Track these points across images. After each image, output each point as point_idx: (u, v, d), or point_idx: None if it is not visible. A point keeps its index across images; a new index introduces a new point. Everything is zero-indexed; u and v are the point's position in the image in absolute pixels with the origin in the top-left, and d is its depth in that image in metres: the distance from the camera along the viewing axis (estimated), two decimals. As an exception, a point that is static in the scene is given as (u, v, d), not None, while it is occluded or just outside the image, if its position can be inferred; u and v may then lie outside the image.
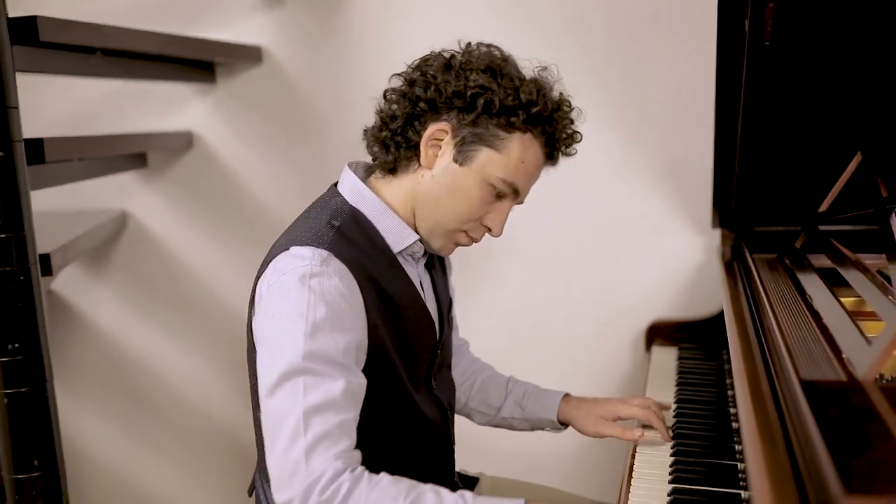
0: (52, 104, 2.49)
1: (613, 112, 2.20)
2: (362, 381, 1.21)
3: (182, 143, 2.42)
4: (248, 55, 2.34)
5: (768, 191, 1.97)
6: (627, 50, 2.18)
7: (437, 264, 1.52)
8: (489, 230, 1.37)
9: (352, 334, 1.21)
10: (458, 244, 1.39)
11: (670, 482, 1.37)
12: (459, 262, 2.25)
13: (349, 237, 1.29)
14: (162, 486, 2.70)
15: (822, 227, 1.67)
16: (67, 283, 2.62)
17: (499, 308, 2.37)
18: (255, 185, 2.45)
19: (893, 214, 1.32)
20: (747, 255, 1.82)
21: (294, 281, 1.19)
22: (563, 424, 1.62)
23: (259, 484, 1.43)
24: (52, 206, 2.55)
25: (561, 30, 2.19)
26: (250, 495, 1.49)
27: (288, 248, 1.25)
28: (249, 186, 2.46)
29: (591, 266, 2.29)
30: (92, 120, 2.48)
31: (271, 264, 1.25)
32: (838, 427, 0.89)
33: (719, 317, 2.00)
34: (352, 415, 1.17)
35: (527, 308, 2.36)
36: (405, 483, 1.12)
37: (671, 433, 1.53)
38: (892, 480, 0.76)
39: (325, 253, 1.23)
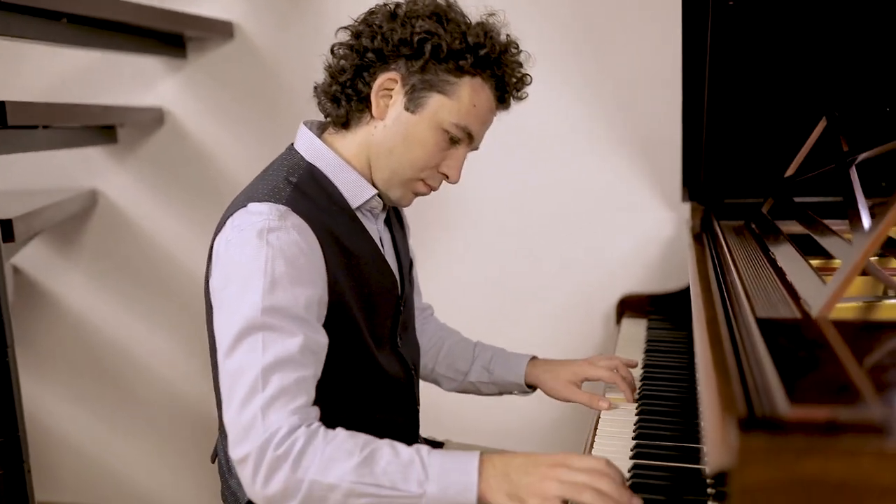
0: (18, 80, 2.47)
1: (581, 84, 2.20)
2: (323, 338, 1.20)
3: (153, 118, 2.41)
4: (220, 30, 2.33)
5: (737, 162, 1.98)
6: (594, 20, 2.18)
7: (395, 223, 1.51)
8: (446, 177, 1.36)
9: (312, 289, 1.20)
10: (416, 193, 1.38)
11: (634, 438, 1.36)
12: (427, 235, 2.25)
13: (307, 193, 1.28)
14: (131, 463, 2.69)
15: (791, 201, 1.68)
16: (37, 263, 2.60)
17: (467, 282, 2.36)
18: (227, 163, 2.44)
19: (853, 167, 1.32)
20: (715, 222, 1.82)
21: (252, 236, 1.18)
22: (531, 387, 1.62)
23: (221, 449, 1.42)
24: (21, 185, 2.54)
25: (525, 0, 2.19)
26: (213, 461, 1.48)
27: (245, 205, 1.24)
28: (221, 164, 2.44)
29: (560, 240, 2.29)
30: (60, 95, 2.46)
31: (229, 221, 1.24)
32: (788, 354, 0.89)
33: (689, 290, 2.00)
34: (310, 371, 1.15)
35: (495, 283, 2.36)
36: (361, 438, 1.11)
37: (636, 395, 1.53)
38: (834, 393, 0.76)
39: (282, 208, 1.22)
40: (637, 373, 1.64)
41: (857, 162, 1.34)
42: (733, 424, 0.68)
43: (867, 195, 1.35)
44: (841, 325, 0.97)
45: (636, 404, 1.50)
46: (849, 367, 0.82)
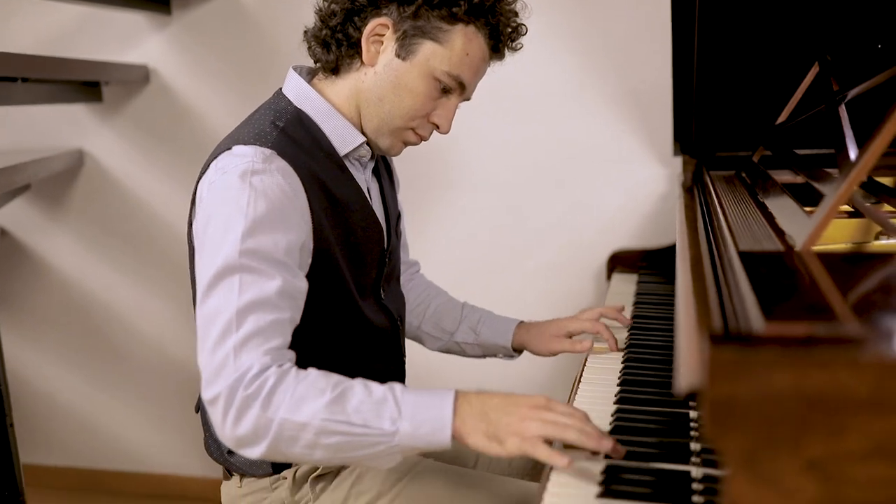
0: (2, 40, 2.44)
1: (570, 36, 2.17)
2: (302, 284, 1.18)
3: (138, 76, 2.38)
4: (204, -15, 2.29)
5: (729, 114, 1.95)
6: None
7: (384, 174, 1.49)
8: (437, 127, 1.33)
9: (294, 234, 1.17)
10: (406, 143, 1.35)
11: (619, 384, 1.35)
12: (416, 192, 2.23)
13: (293, 138, 1.26)
14: (120, 423, 2.69)
15: (783, 148, 1.65)
16: (24, 224, 2.58)
17: (457, 239, 2.34)
18: (214, 121, 2.41)
19: (843, 105, 1.30)
20: (706, 174, 1.80)
21: (235, 178, 1.16)
22: (517, 351, 1.61)
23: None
24: (7, 145, 2.52)
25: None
26: (197, 412, 1.46)
27: (230, 148, 1.21)
28: (208, 122, 2.41)
29: (552, 196, 2.26)
30: (42, 51, 2.42)
31: (213, 164, 1.22)
32: (768, 281, 0.87)
33: (680, 243, 1.98)
34: (287, 315, 1.13)
35: (485, 239, 2.33)
36: (334, 377, 1.08)
37: (623, 345, 1.51)
38: (810, 313, 0.74)
39: (267, 151, 1.19)
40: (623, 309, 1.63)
41: (847, 99, 1.31)
42: (706, 339, 0.65)
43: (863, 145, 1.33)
44: (824, 257, 0.95)
45: (622, 353, 1.48)
46: (828, 292, 0.80)
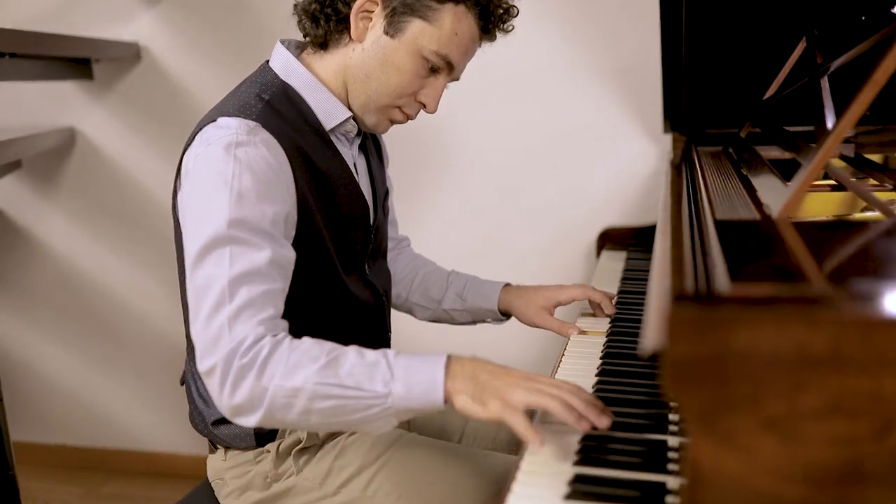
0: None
1: (559, 13, 2.15)
2: (290, 253, 1.18)
3: (129, 54, 2.37)
4: (194, -38, 2.28)
5: (718, 91, 1.95)
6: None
7: (373, 150, 1.48)
8: (424, 106, 1.32)
9: (279, 205, 1.18)
10: (392, 121, 1.35)
11: (602, 357, 1.35)
12: (406, 173, 2.22)
13: (279, 110, 1.25)
14: (111, 401, 2.70)
15: (770, 123, 1.64)
16: (17, 203, 2.58)
17: (447, 219, 2.34)
18: (205, 99, 2.40)
19: (825, 77, 1.29)
20: (694, 150, 1.79)
21: (219, 150, 1.16)
22: (505, 315, 1.61)
23: (188, 371, 1.41)
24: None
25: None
26: (182, 384, 1.47)
27: (215, 120, 1.21)
28: (200, 100, 2.41)
29: (542, 175, 2.26)
30: (32, 27, 2.42)
31: (198, 136, 1.22)
32: (740, 247, 0.87)
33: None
34: (279, 285, 1.14)
35: (475, 218, 2.33)
36: (328, 344, 1.09)
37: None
38: (778, 275, 0.74)
39: (252, 123, 1.19)
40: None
41: (829, 72, 1.30)
42: (668, 300, 0.66)
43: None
44: (800, 225, 0.94)
45: (605, 332, 1.48)
46: (798, 257, 0.80)
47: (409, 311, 1.69)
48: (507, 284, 1.60)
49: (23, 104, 2.49)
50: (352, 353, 1.08)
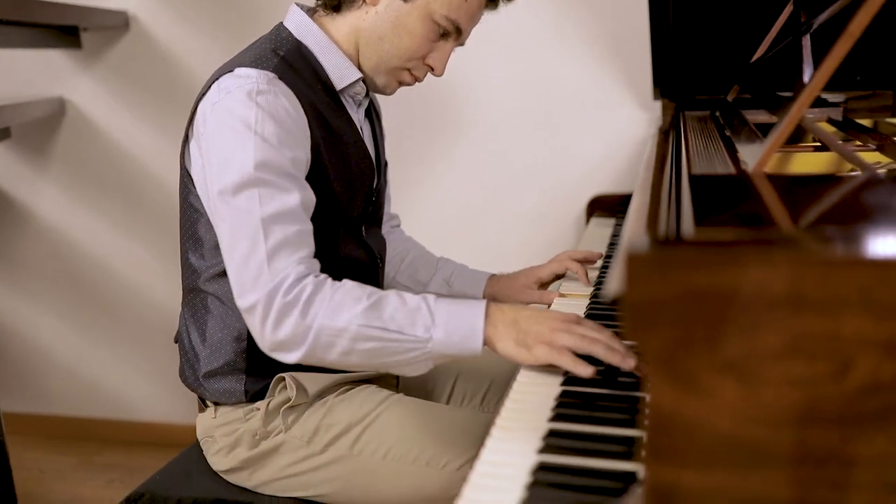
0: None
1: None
2: (313, 197, 1.23)
3: (117, 22, 2.36)
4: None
5: (707, 57, 1.94)
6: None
7: (375, 118, 1.52)
8: (431, 69, 1.36)
9: (300, 151, 1.22)
10: (401, 83, 1.39)
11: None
12: (395, 142, 2.21)
13: (293, 66, 1.29)
14: (107, 372, 2.71)
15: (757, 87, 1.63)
16: (8, 174, 2.58)
17: (436, 187, 2.34)
18: (195, 68, 2.39)
19: (807, 35, 1.28)
20: (682, 115, 1.78)
21: (241, 97, 1.19)
22: None
23: (183, 323, 1.41)
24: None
25: None
26: (176, 342, 1.48)
27: (232, 69, 1.24)
28: (190, 70, 2.40)
29: (531, 142, 2.25)
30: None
31: (215, 84, 1.24)
32: (712, 198, 0.87)
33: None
34: (309, 226, 1.18)
35: (465, 186, 2.33)
36: (368, 288, 1.13)
37: (592, 283, 1.52)
38: (743, 222, 0.74)
39: (270, 74, 1.23)
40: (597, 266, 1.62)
41: (812, 29, 1.29)
42: (628, 245, 0.65)
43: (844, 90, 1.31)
44: (775, 178, 0.94)
45: (587, 295, 1.48)
46: (767, 206, 0.80)
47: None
48: (494, 275, 1.63)
49: (11, 73, 2.48)
50: (393, 296, 1.12)
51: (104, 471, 2.57)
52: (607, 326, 1.20)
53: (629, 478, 0.82)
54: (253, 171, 1.14)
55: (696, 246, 0.63)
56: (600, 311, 1.36)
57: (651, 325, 0.62)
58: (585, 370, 1.04)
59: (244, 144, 1.16)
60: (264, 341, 1.12)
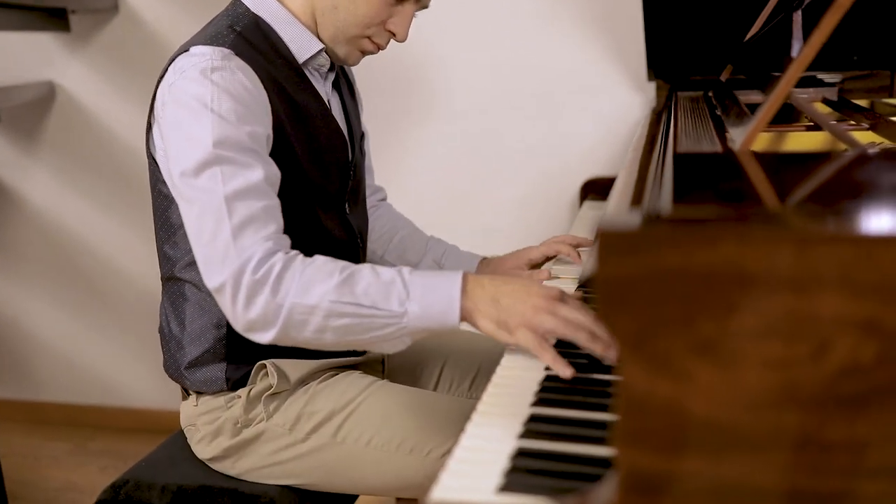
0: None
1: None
2: (277, 171, 1.18)
3: (106, 5, 2.33)
4: None
5: (701, 37, 1.91)
6: None
7: (346, 89, 1.47)
8: (393, 35, 1.31)
9: (260, 126, 1.17)
10: (364, 52, 1.34)
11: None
12: (388, 123, 2.19)
13: (251, 41, 1.25)
14: (100, 358, 2.69)
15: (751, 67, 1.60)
16: (-1, 161, 2.56)
17: (429, 169, 2.31)
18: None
19: (798, 11, 1.26)
20: (675, 95, 1.76)
21: (196, 75, 1.15)
22: None
23: (163, 313, 1.39)
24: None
25: None
26: (160, 332, 1.46)
27: (187, 49, 1.21)
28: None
29: (524, 124, 2.22)
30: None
31: (170, 67, 1.21)
32: (695, 176, 0.84)
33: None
34: (276, 202, 1.14)
35: (457, 168, 2.30)
36: (340, 262, 1.09)
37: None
38: (721, 199, 0.71)
39: (225, 51, 1.19)
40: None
41: (804, 4, 1.26)
42: (602, 222, 0.63)
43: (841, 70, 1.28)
44: (761, 156, 0.92)
45: (577, 277, 1.45)
46: (751, 183, 0.77)
47: None
48: (485, 258, 1.60)
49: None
50: (366, 270, 1.08)
51: (97, 457, 2.56)
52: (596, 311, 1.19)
53: (609, 463, 0.80)
54: (212, 149, 1.10)
55: (670, 223, 0.61)
56: (591, 296, 1.33)
57: (623, 304, 0.60)
58: (564, 371, 0.99)
59: (202, 123, 1.12)
60: (237, 322, 1.08)
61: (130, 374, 2.67)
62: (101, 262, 2.59)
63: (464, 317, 1.05)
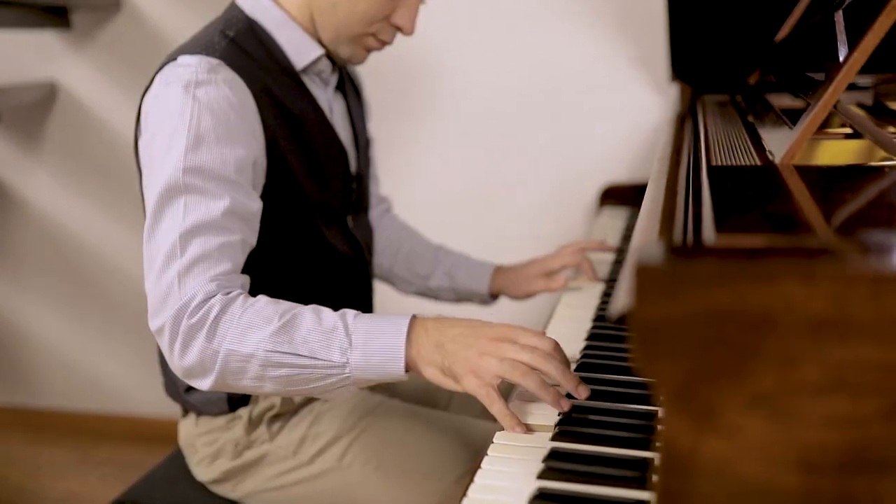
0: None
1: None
2: (254, 204, 1.11)
3: (108, 2, 2.26)
4: None
5: (727, 36, 1.82)
6: None
7: (352, 94, 1.40)
8: (399, 29, 1.24)
9: (243, 149, 1.10)
10: (369, 49, 1.27)
11: (593, 320, 1.25)
12: (401, 127, 2.12)
13: (244, 48, 1.18)
14: (99, 362, 2.63)
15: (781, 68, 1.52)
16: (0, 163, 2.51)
17: (444, 173, 2.23)
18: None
19: (839, 12, 1.17)
20: (699, 99, 1.67)
21: (178, 90, 1.08)
22: (493, 297, 1.53)
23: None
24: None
25: None
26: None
27: (175, 59, 1.14)
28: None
29: (539, 127, 2.14)
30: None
31: (157, 76, 1.15)
32: (736, 195, 0.76)
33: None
34: (237, 237, 1.06)
35: (469, 173, 2.21)
36: (283, 304, 1.01)
37: (604, 277, 1.43)
38: (773, 226, 0.63)
39: (214, 61, 1.12)
40: (610, 258, 1.53)
41: (845, 4, 1.18)
42: (640, 253, 0.55)
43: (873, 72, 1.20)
44: (805, 170, 0.83)
45: (599, 292, 1.38)
46: (800, 205, 0.69)
47: (391, 282, 1.61)
48: (499, 267, 1.53)
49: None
50: (308, 315, 0.99)
51: (98, 466, 2.51)
52: (614, 352, 1.11)
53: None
54: (181, 177, 1.03)
55: (719, 256, 0.53)
56: (606, 332, 1.25)
57: (665, 351, 0.52)
58: (511, 425, 0.90)
59: (176, 144, 1.05)
60: (174, 367, 1.00)
61: (133, 381, 2.62)
62: (103, 264, 2.53)
63: (409, 366, 0.96)
